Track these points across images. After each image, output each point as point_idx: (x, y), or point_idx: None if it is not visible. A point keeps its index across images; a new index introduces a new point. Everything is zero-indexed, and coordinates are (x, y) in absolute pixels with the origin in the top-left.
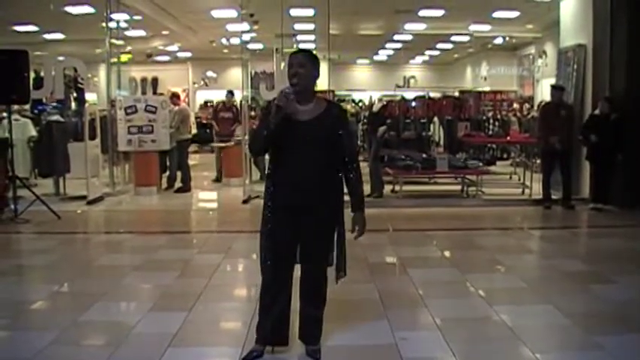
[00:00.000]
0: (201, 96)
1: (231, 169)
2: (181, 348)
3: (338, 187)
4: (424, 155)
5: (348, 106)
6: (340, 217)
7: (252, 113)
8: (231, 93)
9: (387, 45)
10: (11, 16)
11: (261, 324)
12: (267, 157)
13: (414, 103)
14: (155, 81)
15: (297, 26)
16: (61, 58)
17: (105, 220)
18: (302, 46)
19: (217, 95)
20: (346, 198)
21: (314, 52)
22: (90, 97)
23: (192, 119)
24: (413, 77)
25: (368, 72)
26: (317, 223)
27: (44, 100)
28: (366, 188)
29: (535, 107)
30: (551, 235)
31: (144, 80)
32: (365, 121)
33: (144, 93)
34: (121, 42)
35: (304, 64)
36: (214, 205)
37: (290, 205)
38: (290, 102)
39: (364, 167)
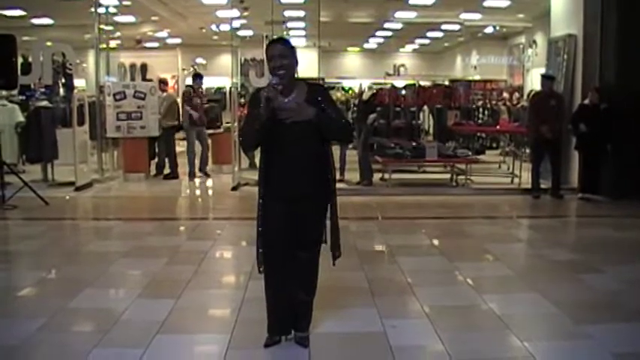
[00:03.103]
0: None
1: (221, 156)
2: (170, 335)
3: (330, 174)
4: (414, 144)
5: (338, 94)
6: (333, 199)
7: (242, 100)
8: (199, 77)
9: (378, 33)
10: None
11: (269, 315)
12: None
13: (404, 92)
14: (144, 67)
15: (287, 13)
16: (49, 44)
17: (93, 207)
18: (293, 33)
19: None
20: (339, 185)
21: (297, 40)
22: (78, 83)
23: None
24: (403, 65)
25: (358, 60)
26: (312, 211)
27: (32, 86)
28: (356, 176)
29: (525, 97)
30: (539, 225)
31: (133, 66)
32: (355, 109)
33: (133, 79)
34: (110, 27)
35: (286, 55)
36: (204, 191)
37: (285, 197)
38: (277, 93)
39: (353, 155)
